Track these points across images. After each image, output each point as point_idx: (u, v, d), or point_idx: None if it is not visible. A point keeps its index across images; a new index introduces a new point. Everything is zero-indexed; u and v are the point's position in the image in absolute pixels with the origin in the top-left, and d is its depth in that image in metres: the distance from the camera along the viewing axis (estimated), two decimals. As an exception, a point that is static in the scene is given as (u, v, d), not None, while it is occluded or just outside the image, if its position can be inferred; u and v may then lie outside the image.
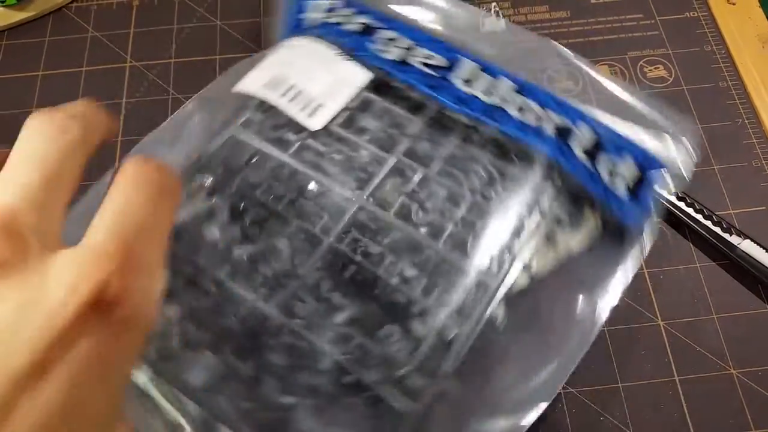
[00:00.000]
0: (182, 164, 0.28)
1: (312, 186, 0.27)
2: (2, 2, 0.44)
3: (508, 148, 0.28)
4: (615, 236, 0.28)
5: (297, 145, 0.28)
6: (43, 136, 0.19)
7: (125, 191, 0.18)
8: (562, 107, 0.29)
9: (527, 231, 0.26)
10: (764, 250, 0.35)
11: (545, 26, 0.44)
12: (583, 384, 0.33)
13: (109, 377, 0.16)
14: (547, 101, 0.29)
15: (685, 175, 0.28)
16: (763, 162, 0.39)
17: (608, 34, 0.44)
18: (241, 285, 0.25)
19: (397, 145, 0.28)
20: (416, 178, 0.27)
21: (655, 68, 0.42)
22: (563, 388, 0.32)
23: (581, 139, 0.28)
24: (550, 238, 0.27)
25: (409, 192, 0.27)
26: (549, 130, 0.28)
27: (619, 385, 0.33)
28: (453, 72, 0.30)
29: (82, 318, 0.15)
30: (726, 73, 0.42)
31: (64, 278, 0.16)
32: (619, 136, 0.28)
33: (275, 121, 0.29)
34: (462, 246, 0.26)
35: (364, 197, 0.27)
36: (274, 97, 0.29)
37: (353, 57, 0.30)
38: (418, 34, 0.31)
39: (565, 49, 0.32)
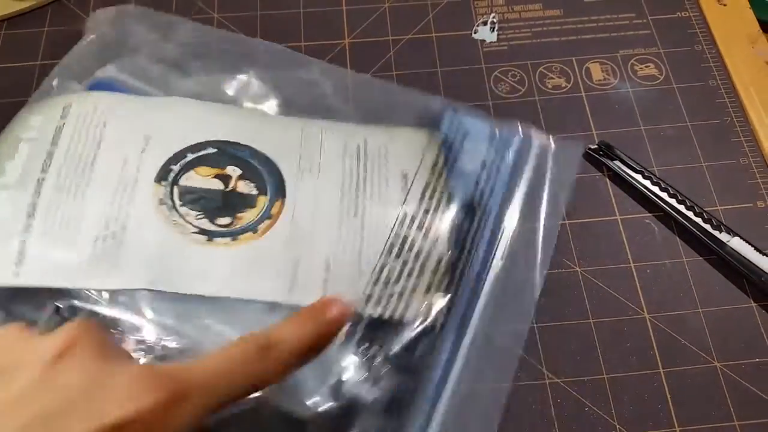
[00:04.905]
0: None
1: None
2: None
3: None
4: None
5: None
6: None
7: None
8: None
9: None
10: (753, 248, 0.35)
11: (538, 24, 0.45)
12: (569, 375, 0.33)
13: None
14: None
15: None
16: (751, 159, 0.39)
17: (600, 33, 0.44)
18: None
19: None
20: None
21: (645, 66, 0.43)
22: (548, 377, 0.33)
23: None
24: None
25: None
26: None
27: (605, 376, 0.33)
28: None
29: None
30: (716, 72, 0.42)
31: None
32: None
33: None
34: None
35: None
36: None
37: None
38: None
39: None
